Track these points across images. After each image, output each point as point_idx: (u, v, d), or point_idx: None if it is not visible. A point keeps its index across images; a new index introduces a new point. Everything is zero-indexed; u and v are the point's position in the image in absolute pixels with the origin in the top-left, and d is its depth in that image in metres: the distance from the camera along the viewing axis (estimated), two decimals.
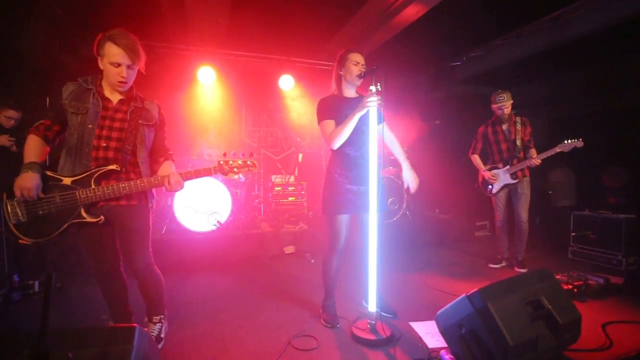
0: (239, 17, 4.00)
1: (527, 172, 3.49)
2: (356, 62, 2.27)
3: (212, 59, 4.87)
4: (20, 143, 3.12)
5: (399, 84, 5.91)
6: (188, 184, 4.12)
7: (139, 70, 1.86)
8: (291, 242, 4.27)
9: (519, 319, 1.63)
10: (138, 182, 1.81)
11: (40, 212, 1.71)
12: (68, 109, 1.76)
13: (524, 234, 3.52)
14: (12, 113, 3.15)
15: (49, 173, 1.74)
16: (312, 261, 3.90)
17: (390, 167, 5.08)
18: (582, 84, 5.15)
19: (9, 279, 2.71)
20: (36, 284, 2.89)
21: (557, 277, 2.66)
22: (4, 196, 1.70)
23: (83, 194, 1.72)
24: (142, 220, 1.94)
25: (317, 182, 5.63)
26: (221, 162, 1.96)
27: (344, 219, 2.30)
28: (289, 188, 5.13)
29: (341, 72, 2.33)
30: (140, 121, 1.89)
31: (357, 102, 2.31)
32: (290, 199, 5.09)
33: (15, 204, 1.69)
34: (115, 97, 1.86)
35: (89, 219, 1.75)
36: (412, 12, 3.84)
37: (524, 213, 3.49)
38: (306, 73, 5.44)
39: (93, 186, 1.74)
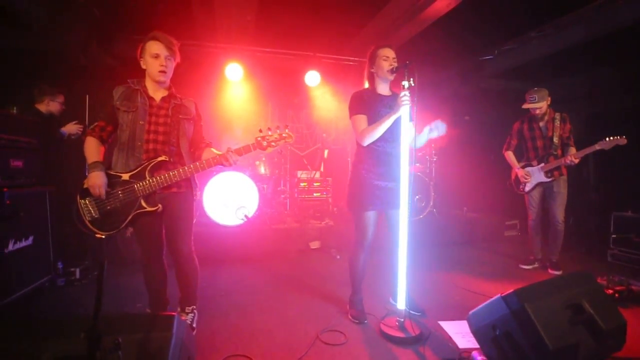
0: (266, 13, 4.03)
1: (564, 171, 3.33)
2: (386, 57, 2.23)
3: (240, 56, 4.93)
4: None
5: (428, 79, 5.78)
6: (217, 178, 4.20)
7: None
8: (316, 238, 4.29)
9: (558, 322, 1.55)
10: (197, 164, 1.93)
11: (108, 207, 1.88)
12: (120, 107, 1.92)
13: (560, 234, 3.37)
14: (62, 97, 3.27)
15: (109, 172, 1.91)
16: (338, 257, 3.91)
17: (418, 164, 4.99)
18: (624, 77, 4.84)
19: (53, 266, 2.89)
20: (77, 271, 3.09)
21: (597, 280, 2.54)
22: (77, 196, 1.87)
23: (140, 186, 1.88)
24: (189, 207, 2.07)
25: (343, 178, 5.63)
26: (258, 138, 2.01)
27: (371, 215, 2.28)
28: (315, 184, 5.15)
29: (373, 70, 2.30)
30: (180, 116, 2.03)
31: (391, 100, 2.27)
32: (315, 194, 5.11)
33: (87, 202, 1.86)
34: (157, 96, 2.01)
35: (149, 209, 1.90)
36: (443, 5, 3.71)
37: (560, 213, 3.34)
38: (332, 69, 5.41)
39: (148, 177, 1.88)
